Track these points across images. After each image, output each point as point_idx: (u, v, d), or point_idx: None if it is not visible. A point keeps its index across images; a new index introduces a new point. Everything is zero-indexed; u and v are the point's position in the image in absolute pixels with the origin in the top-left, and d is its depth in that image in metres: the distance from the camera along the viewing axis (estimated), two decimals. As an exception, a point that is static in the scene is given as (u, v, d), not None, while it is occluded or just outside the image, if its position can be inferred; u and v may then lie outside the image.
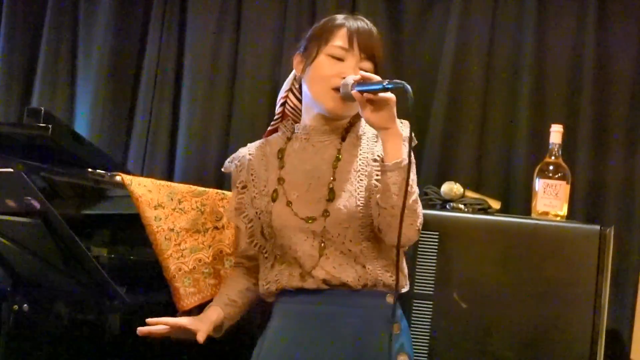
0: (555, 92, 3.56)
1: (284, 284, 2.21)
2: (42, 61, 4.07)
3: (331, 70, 2.19)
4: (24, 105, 3.90)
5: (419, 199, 2.12)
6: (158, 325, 2.23)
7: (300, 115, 2.34)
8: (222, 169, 2.41)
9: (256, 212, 2.26)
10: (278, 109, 2.40)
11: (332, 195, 2.18)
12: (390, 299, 2.20)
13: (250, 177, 2.31)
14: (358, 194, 2.16)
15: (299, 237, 2.18)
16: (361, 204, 2.16)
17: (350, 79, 2.12)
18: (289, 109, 2.37)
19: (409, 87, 2.01)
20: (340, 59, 2.20)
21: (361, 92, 2.06)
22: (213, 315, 2.29)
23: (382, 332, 2.16)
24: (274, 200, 2.23)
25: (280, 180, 2.25)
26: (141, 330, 2.22)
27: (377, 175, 2.16)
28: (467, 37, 3.64)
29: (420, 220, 2.12)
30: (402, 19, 3.75)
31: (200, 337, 2.21)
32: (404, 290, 2.28)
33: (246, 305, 2.37)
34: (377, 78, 2.07)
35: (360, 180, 2.19)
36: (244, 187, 2.32)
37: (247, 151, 2.36)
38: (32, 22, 4.13)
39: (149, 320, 2.23)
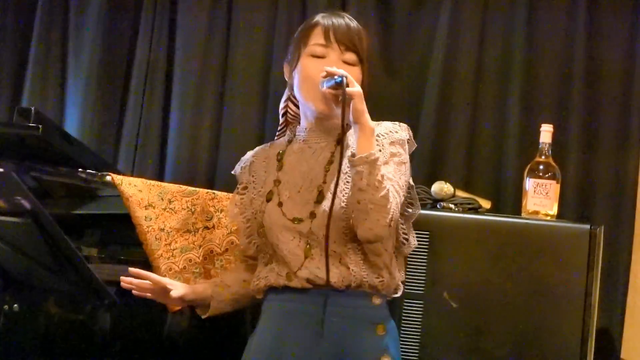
0: (546, 92, 3.57)
1: (271, 282, 2.21)
2: (32, 61, 4.06)
3: (314, 69, 2.19)
4: (14, 105, 3.88)
5: (392, 195, 2.09)
6: (142, 280, 2.23)
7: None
8: (233, 172, 2.42)
9: (253, 212, 2.28)
10: (281, 119, 2.40)
11: (320, 198, 2.18)
12: (376, 300, 2.20)
13: (251, 179, 2.33)
14: (343, 195, 2.15)
15: (286, 236, 2.18)
16: (345, 206, 2.14)
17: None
18: (290, 117, 2.38)
19: (343, 80, 2.03)
20: (321, 57, 2.21)
21: (330, 87, 2.08)
22: (198, 288, 2.31)
23: (365, 333, 2.17)
24: (268, 200, 2.25)
25: (276, 182, 2.26)
26: (124, 280, 2.22)
27: None
28: (457, 36, 3.64)
29: (390, 216, 2.08)
30: (392, 17, 3.75)
31: (174, 293, 2.22)
32: (396, 295, 2.27)
33: (242, 294, 2.34)
34: (340, 72, 2.07)
35: (347, 182, 2.17)
36: (244, 189, 2.35)
37: (251, 154, 2.39)
38: (22, 22, 4.12)
39: (131, 270, 2.23)
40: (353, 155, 2.06)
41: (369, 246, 2.16)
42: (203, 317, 2.31)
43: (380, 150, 2.18)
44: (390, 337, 2.22)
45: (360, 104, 2.05)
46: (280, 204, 2.22)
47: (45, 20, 4.06)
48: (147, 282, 2.23)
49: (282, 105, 2.40)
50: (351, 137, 2.22)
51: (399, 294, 2.28)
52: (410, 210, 2.29)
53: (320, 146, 2.26)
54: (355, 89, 2.05)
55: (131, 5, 4.04)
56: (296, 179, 2.24)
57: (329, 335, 2.16)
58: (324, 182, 2.19)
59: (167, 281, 2.26)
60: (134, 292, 2.24)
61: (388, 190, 2.07)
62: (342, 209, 2.14)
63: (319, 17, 2.25)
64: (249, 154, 2.40)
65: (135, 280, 2.22)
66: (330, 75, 2.08)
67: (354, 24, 2.25)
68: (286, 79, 2.35)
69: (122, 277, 2.22)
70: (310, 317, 2.17)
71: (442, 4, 3.66)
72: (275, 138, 2.42)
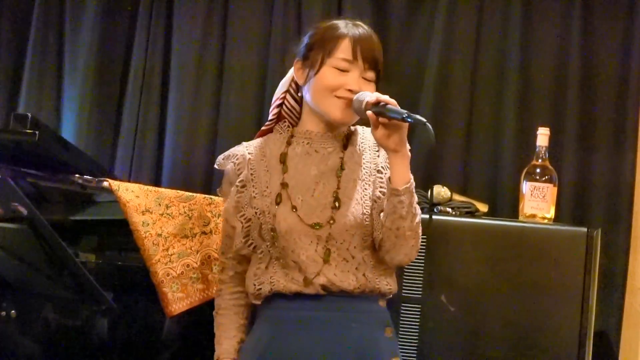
0: (541, 95, 3.57)
1: (280, 288, 2.20)
2: (28, 67, 4.06)
3: (336, 81, 2.21)
4: (10, 111, 3.88)
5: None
6: None
7: (297, 117, 2.35)
8: (216, 166, 2.37)
9: (255, 212, 2.24)
10: (274, 110, 2.39)
11: (338, 203, 2.19)
12: (382, 303, 2.25)
13: (250, 177, 2.29)
14: (364, 202, 2.20)
15: (304, 241, 2.19)
16: (367, 213, 2.19)
17: (365, 96, 2.13)
18: (286, 110, 2.36)
19: (430, 127, 2.03)
20: (344, 70, 2.22)
21: (376, 113, 2.07)
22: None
23: (379, 336, 2.22)
24: (277, 203, 2.22)
25: (284, 185, 2.24)
26: None
27: (381, 186, 2.21)
28: (453, 39, 3.65)
29: (420, 241, 2.19)
30: (388, 21, 3.75)
31: None
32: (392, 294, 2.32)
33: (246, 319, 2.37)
34: (394, 102, 2.08)
35: (365, 189, 2.22)
36: (243, 186, 2.29)
37: (245, 150, 2.33)
38: (18, 28, 4.12)
39: None
40: (389, 180, 2.11)
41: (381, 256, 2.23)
42: None
43: (378, 157, 2.26)
44: (396, 339, 2.28)
45: (404, 134, 2.09)
46: (294, 208, 2.21)
47: (40, 26, 4.06)
48: None
49: (278, 95, 2.38)
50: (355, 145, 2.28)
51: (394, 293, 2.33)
52: None
53: (327, 151, 2.27)
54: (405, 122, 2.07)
55: (127, 11, 4.04)
56: (308, 183, 2.23)
57: (348, 340, 2.18)
58: (339, 188, 2.21)
59: None
60: None
61: (420, 216, 2.16)
62: (364, 215, 2.18)
63: (344, 28, 2.24)
64: (240, 149, 2.34)
65: None
66: (380, 102, 2.08)
67: (376, 38, 2.27)
68: (295, 75, 2.32)
69: None
70: (328, 324, 2.18)
71: (437, 9, 3.66)
72: (263, 128, 2.39)
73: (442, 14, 3.64)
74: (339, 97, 2.20)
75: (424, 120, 2.03)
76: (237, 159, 2.32)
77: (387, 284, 2.24)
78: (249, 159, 2.31)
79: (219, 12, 3.92)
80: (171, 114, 3.94)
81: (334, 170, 2.24)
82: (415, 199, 2.13)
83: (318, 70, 2.23)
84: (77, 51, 4.03)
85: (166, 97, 3.96)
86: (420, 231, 2.17)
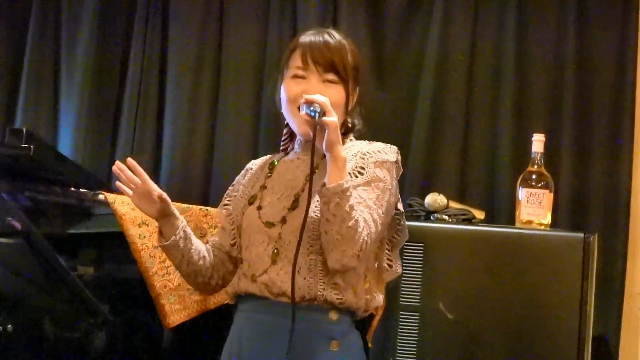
0: (537, 101, 3.58)
1: (236, 287, 2.21)
2: (24, 81, 4.06)
3: (296, 89, 2.21)
4: (6, 126, 3.88)
5: (362, 225, 2.05)
6: (133, 175, 2.14)
7: None
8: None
9: (236, 214, 2.27)
10: (284, 129, 2.40)
11: (295, 205, 2.18)
12: (333, 316, 2.16)
13: (242, 180, 2.34)
14: (316, 206, 2.12)
15: (257, 239, 2.19)
16: (316, 217, 2.11)
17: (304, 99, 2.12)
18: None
19: (316, 115, 2.01)
20: (303, 78, 2.22)
21: (307, 114, 2.06)
22: (177, 214, 2.23)
23: (320, 348, 2.13)
24: (250, 203, 2.25)
25: (262, 187, 2.27)
26: (117, 164, 2.14)
27: None
28: (449, 47, 3.65)
29: (358, 247, 2.05)
30: (383, 28, 3.75)
31: (159, 192, 2.16)
32: (365, 315, 2.23)
33: (197, 258, 2.25)
34: (319, 100, 2.05)
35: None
36: (235, 191, 2.34)
37: (253, 161, 2.40)
38: (14, 42, 4.13)
39: (130, 160, 2.14)
40: (323, 185, 2.05)
41: None
42: (159, 244, 2.23)
43: (363, 168, 2.18)
44: (347, 354, 2.17)
45: (333, 135, 2.03)
46: (259, 208, 2.22)
47: (37, 41, 4.07)
48: (137, 179, 2.15)
49: None
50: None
51: (366, 315, 2.23)
52: (397, 237, 2.27)
53: (308, 158, 2.25)
54: (330, 118, 2.03)
55: (122, 20, 4.05)
56: (280, 186, 2.24)
57: (290, 348, 2.11)
58: (302, 191, 2.19)
59: (155, 186, 2.17)
60: (116, 183, 2.17)
61: (357, 221, 2.04)
62: (312, 218, 2.11)
63: (300, 38, 2.26)
64: (252, 161, 2.41)
65: (127, 171, 2.15)
66: (309, 102, 2.07)
67: (334, 41, 2.24)
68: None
69: (117, 162, 2.13)
70: (274, 329, 2.14)
71: (432, 16, 3.67)
72: (281, 148, 2.40)
73: (437, 21, 3.65)
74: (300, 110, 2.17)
75: (317, 110, 2.01)
76: (244, 170, 2.39)
77: (338, 295, 2.15)
78: (250, 168, 2.37)
79: (214, 21, 3.92)
80: (167, 126, 3.94)
81: (305, 174, 2.22)
82: (350, 202, 2.02)
83: (281, 84, 2.26)
84: (74, 63, 4.04)
85: (162, 107, 3.97)
86: (357, 237, 2.04)
